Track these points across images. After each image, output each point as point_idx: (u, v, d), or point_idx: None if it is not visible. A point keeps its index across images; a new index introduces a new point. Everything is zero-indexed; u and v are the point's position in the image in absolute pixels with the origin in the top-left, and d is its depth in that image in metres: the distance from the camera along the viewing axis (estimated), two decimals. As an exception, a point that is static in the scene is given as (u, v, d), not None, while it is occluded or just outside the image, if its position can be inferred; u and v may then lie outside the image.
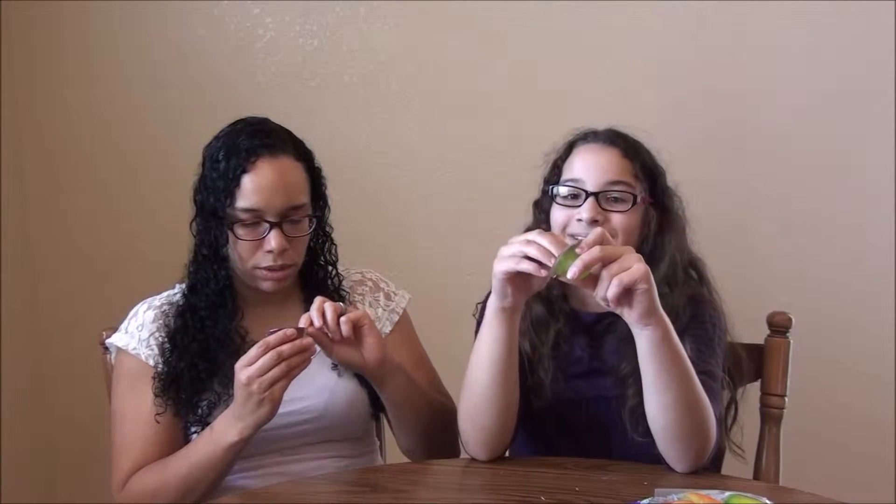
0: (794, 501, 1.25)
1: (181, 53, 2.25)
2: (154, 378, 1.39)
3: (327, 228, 1.50)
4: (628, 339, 1.26)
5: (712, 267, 1.51)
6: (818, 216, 2.17)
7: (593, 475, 1.29)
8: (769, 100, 2.16)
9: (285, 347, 1.25)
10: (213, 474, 1.32)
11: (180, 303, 1.44)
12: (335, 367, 1.44)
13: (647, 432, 1.29)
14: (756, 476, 1.57)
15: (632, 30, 2.16)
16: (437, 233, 2.25)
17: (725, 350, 1.44)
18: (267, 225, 1.36)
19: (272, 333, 1.26)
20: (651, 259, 1.36)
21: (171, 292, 1.48)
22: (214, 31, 2.24)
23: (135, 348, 1.42)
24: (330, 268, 1.51)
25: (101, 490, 1.53)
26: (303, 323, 1.30)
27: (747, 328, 1.55)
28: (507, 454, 1.40)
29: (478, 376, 1.32)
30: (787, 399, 1.57)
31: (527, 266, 1.19)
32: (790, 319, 1.57)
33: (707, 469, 1.33)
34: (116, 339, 1.44)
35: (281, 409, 1.28)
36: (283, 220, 1.37)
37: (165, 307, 1.45)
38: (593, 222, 1.37)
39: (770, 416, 1.58)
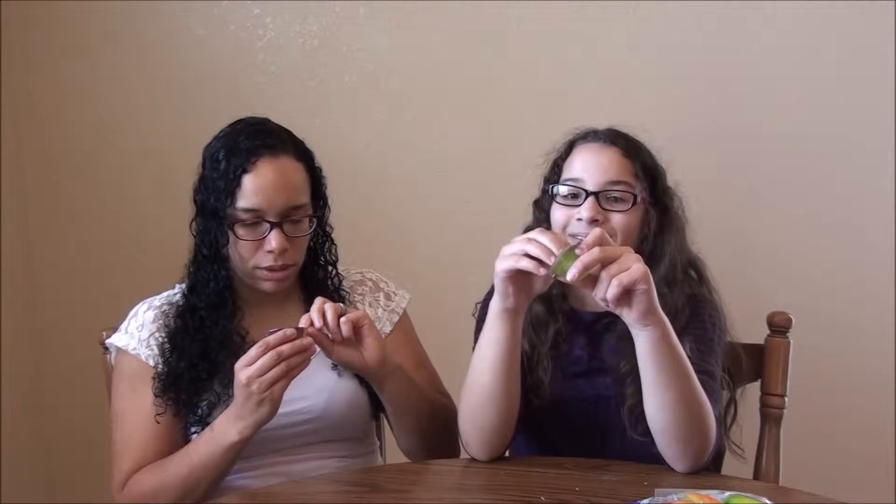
0: (794, 501, 1.25)
1: (181, 53, 2.25)
2: (154, 378, 1.39)
3: (327, 228, 1.50)
4: (627, 339, 1.26)
5: (712, 267, 1.51)
6: (818, 216, 2.17)
7: (593, 475, 1.29)
8: (769, 100, 2.15)
9: (285, 347, 1.25)
10: (213, 474, 1.32)
11: (180, 303, 1.44)
12: (335, 367, 1.43)
13: (647, 432, 1.29)
14: (756, 476, 1.57)
15: (632, 30, 2.16)
16: (437, 233, 2.25)
17: (725, 350, 1.44)
18: (267, 225, 1.36)
19: (272, 333, 1.26)
20: (651, 259, 1.36)
21: (171, 292, 1.48)
22: (214, 31, 2.24)
23: (135, 348, 1.42)
24: (330, 268, 1.51)
25: (101, 490, 1.53)
26: (303, 323, 1.30)
27: (747, 328, 1.55)
28: (507, 454, 1.40)
29: (479, 377, 1.32)
30: (787, 399, 1.57)
31: (526, 264, 1.19)
32: (790, 319, 1.57)
33: (707, 469, 1.33)
34: (116, 340, 1.44)
35: (281, 410, 1.28)
36: (283, 220, 1.37)
37: (165, 307, 1.45)
38: (593, 222, 1.37)
39: (770, 416, 1.58)
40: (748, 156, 2.17)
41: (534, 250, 1.18)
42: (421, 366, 1.54)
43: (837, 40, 2.12)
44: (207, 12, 2.23)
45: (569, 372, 1.44)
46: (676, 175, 1.50)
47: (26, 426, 2.28)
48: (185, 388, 1.38)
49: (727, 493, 1.12)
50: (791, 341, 1.57)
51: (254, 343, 1.28)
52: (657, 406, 1.25)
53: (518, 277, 1.23)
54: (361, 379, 1.43)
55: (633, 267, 1.16)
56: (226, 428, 1.29)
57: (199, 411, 1.38)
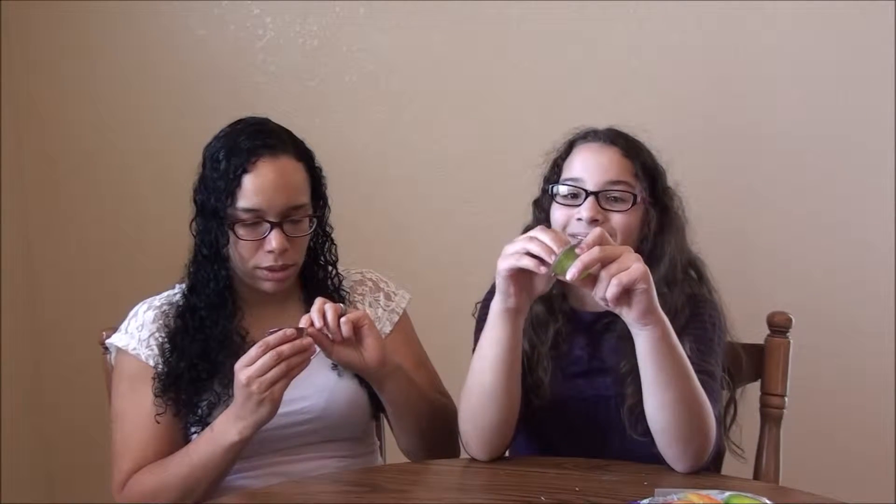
0: (794, 501, 1.25)
1: (181, 53, 2.25)
2: (154, 378, 1.39)
3: (327, 228, 1.50)
4: (627, 339, 1.26)
5: (712, 267, 1.51)
6: (818, 216, 2.17)
7: (593, 475, 1.29)
8: (769, 100, 2.16)
9: (285, 347, 1.25)
10: (213, 474, 1.32)
11: (180, 303, 1.44)
12: (335, 367, 1.43)
13: (647, 431, 1.29)
14: (756, 476, 1.57)
15: (632, 30, 2.16)
16: (437, 233, 2.25)
17: (725, 350, 1.44)
18: (267, 225, 1.36)
19: (272, 333, 1.26)
20: (650, 259, 1.36)
21: (171, 292, 1.48)
22: (214, 31, 2.24)
23: (135, 348, 1.42)
24: (330, 268, 1.51)
25: (101, 490, 1.53)
26: (303, 323, 1.30)
27: (747, 328, 1.55)
28: (507, 454, 1.40)
29: (480, 377, 1.32)
30: (787, 399, 1.57)
31: (528, 262, 1.19)
32: (790, 319, 1.57)
33: (707, 469, 1.33)
34: (116, 340, 1.44)
35: (281, 410, 1.28)
36: (283, 221, 1.37)
37: (165, 307, 1.45)
38: (593, 221, 1.37)
39: (770, 416, 1.58)
40: (748, 156, 2.17)
41: (535, 248, 1.18)
42: (421, 366, 1.54)
43: (837, 40, 2.12)
44: (207, 12, 2.23)
45: (569, 372, 1.44)
46: (676, 175, 1.50)
47: (26, 426, 2.28)
48: (185, 388, 1.38)
49: (727, 493, 1.12)
50: (791, 341, 1.57)
51: (254, 343, 1.28)
52: (657, 406, 1.25)
53: (520, 277, 1.24)
54: (361, 379, 1.43)
55: (633, 266, 1.16)
56: (226, 428, 1.29)
57: (199, 411, 1.38)
